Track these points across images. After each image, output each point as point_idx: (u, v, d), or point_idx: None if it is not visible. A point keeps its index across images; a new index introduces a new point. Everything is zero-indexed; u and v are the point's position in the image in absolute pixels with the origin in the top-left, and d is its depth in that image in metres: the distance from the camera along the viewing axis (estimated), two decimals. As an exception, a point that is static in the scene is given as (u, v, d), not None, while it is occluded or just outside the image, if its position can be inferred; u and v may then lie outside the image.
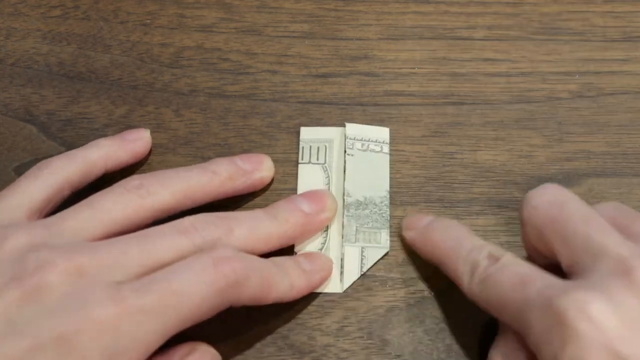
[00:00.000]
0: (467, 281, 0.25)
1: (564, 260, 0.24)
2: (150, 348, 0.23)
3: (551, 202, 0.25)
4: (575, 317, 0.21)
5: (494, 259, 0.25)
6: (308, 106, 0.33)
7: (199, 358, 0.25)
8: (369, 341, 0.28)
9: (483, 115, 0.33)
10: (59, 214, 0.26)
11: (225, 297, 0.24)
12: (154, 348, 0.23)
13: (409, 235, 0.29)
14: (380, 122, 0.33)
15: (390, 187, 0.31)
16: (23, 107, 0.34)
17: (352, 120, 0.33)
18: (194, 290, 0.24)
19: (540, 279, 0.23)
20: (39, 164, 0.28)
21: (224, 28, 0.36)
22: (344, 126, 0.32)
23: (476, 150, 0.32)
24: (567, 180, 0.32)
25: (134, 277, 0.24)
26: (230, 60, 0.35)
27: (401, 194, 0.31)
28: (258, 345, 0.28)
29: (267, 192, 0.31)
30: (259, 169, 0.30)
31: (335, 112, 0.33)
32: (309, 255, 0.29)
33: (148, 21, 0.36)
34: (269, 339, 0.28)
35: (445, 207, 0.31)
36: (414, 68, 0.35)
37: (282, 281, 0.26)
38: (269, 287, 0.26)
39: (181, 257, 0.25)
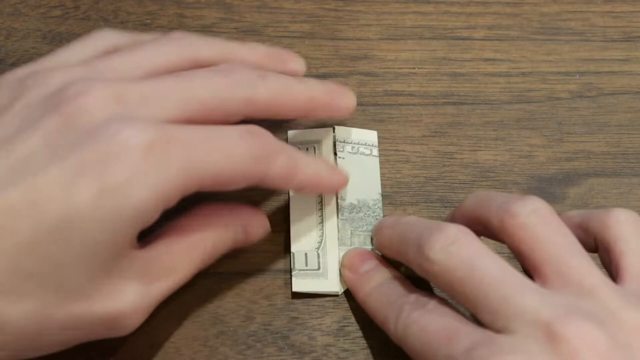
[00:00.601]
0: (393, 324, 0.25)
1: (480, 317, 0.23)
2: (175, 190, 0.23)
3: (457, 258, 0.24)
4: None
5: (420, 303, 0.25)
6: (308, 106, 0.33)
7: (257, 222, 0.28)
8: (369, 341, 0.28)
9: (483, 115, 0.33)
10: (101, 57, 0.26)
11: (257, 168, 0.24)
12: (178, 193, 0.23)
13: (346, 275, 0.29)
14: (380, 122, 0.33)
15: (390, 187, 0.31)
16: (23, 107, 0.34)
17: (352, 120, 0.33)
18: (232, 147, 0.24)
19: (466, 334, 0.23)
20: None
21: (224, 28, 0.36)
22: (330, 127, 0.32)
23: (476, 150, 0.32)
24: (567, 180, 0.32)
25: (171, 115, 0.24)
26: (230, 60, 0.35)
27: (401, 194, 0.31)
28: (258, 345, 0.28)
29: (260, 190, 0.31)
30: (293, 60, 0.30)
31: (335, 112, 0.33)
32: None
33: (148, 21, 0.36)
34: (269, 339, 0.28)
35: (446, 207, 0.31)
36: (414, 68, 0.35)
37: (308, 168, 0.27)
38: (295, 169, 0.26)
39: (218, 98, 0.25)
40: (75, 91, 0.23)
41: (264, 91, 0.26)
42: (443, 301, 0.25)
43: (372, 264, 0.28)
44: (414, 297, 0.26)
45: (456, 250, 0.24)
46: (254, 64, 0.28)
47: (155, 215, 0.23)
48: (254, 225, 0.28)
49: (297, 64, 0.30)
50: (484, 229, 0.25)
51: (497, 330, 0.22)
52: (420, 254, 0.24)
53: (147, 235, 0.24)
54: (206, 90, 0.24)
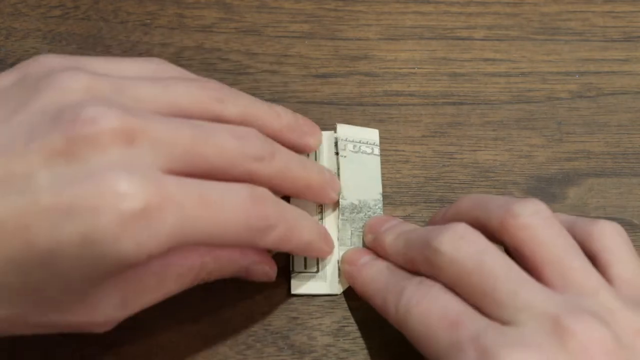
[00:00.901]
0: (394, 307, 0.25)
1: (486, 309, 0.23)
2: (160, 250, 0.22)
3: (466, 251, 0.24)
4: None
5: (423, 286, 0.25)
6: (308, 106, 0.33)
7: (263, 270, 0.27)
8: (369, 341, 0.28)
9: (483, 115, 0.33)
10: (132, 80, 0.25)
11: (250, 238, 0.24)
12: (163, 251, 0.22)
13: (345, 268, 0.29)
14: (380, 122, 0.33)
15: (390, 187, 0.31)
16: (23, 107, 0.34)
17: (352, 121, 0.33)
18: (231, 212, 0.23)
19: (472, 322, 0.23)
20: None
21: (224, 28, 0.36)
22: (332, 130, 0.32)
23: (476, 150, 0.32)
24: (567, 180, 0.32)
25: (177, 163, 0.23)
26: (230, 60, 0.35)
27: (401, 194, 0.31)
28: (258, 345, 0.28)
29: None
30: (311, 134, 0.30)
31: (335, 112, 0.33)
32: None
33: (148, 21, 0.36)
34: (269, 339, 0.28)
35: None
36: (414, 68, 0.35)
37: (301, 237, 0.26)
38: (289, 238, 0.26)
39: (224, 161, 0.24)
40: (91, 115, 0.22)
41: (269, 169, 0.26)
42: (446, 286, 0.25)
43: (371, 257, 0.28)
44: (417, 280, 0.25)
45: (465, 244, 0.24)
46: (273, 132, 0.27)
47: (142, 263, 0.22)
48: (258, 272, 0.27)
49: (314, 139, 0.30)
50: (482, 230, 0.25)
51: (503, 323, 0.23)
52: (428, 248, 0.25)
53: None
54: (216, 151, 0.24)
